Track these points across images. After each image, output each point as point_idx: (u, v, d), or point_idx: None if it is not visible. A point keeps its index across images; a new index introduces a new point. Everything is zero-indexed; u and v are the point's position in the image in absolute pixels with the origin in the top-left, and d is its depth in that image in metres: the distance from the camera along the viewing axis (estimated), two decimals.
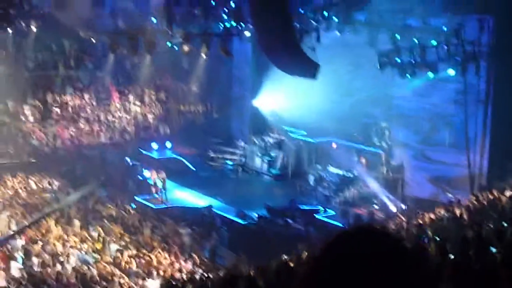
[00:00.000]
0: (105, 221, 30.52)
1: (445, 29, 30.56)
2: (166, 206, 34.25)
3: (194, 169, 40.60)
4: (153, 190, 35.12)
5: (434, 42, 30.58)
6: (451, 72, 30.58)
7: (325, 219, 31.41)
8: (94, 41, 44.73)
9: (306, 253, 21.38)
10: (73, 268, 24.68)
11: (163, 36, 32.79)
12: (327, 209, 32.37)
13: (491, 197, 25.22)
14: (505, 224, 15.80)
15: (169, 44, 33.52)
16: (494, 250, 11.77)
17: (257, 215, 31.68)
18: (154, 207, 33.98)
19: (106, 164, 40.77)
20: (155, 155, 42.00)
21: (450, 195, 30.89)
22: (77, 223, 29.64)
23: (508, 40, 29.64)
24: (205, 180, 38.63)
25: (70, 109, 45.09)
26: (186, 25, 32.82)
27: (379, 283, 1.68)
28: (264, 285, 6.01)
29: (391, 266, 1.71)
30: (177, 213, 32.88)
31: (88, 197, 34.43)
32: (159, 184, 34.88)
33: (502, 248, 10.15)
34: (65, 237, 27.77)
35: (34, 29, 42.50)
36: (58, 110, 44.91)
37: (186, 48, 30.24)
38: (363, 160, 35.21)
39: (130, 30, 32.97)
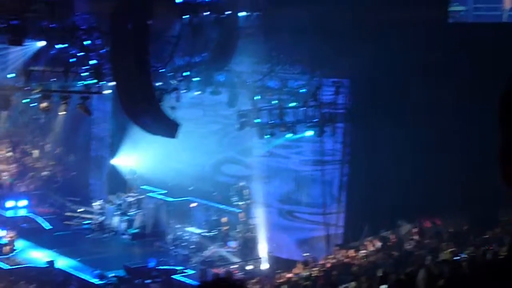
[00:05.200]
0: None
1: (303, 91, 31.29)
2: (19, 266, 33.10)
3: (50, 228, 39.47)
4: (5, 250, 33.84)
5: (292, 104, 31.25)
6: (309, 133, 31.25)
7: (183, 279, 31.16)
8: None
9: None
10: None
11: (20, 92, 32.00)
12: (185, 269, 32.13)
13: (346, 256, 25.72)
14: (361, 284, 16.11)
15: (26, 100, 32.77)
16: None
17: (114, 275, 31.08)
18: (6, 267, 32.76)
19: None
20: (8, 213, 40.58)
21: (306, 254, 31.26)
22: None
23: (362, 102, 30.59)
24: (61, 240, 37.57)
25: None
26: (45, 82, 32.15)
27: None
28: None
29: None
30: (30, 274, 31.81)
31: None
32: (11, 244, 33.65)
33: None
34: None
35: None
36: None
37: (44, 104, 29.58)
38: (222, 220, 35.24)
39: None
